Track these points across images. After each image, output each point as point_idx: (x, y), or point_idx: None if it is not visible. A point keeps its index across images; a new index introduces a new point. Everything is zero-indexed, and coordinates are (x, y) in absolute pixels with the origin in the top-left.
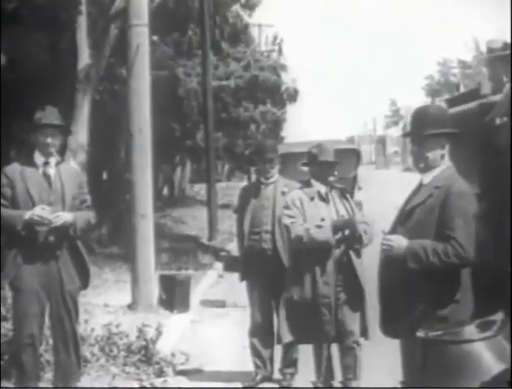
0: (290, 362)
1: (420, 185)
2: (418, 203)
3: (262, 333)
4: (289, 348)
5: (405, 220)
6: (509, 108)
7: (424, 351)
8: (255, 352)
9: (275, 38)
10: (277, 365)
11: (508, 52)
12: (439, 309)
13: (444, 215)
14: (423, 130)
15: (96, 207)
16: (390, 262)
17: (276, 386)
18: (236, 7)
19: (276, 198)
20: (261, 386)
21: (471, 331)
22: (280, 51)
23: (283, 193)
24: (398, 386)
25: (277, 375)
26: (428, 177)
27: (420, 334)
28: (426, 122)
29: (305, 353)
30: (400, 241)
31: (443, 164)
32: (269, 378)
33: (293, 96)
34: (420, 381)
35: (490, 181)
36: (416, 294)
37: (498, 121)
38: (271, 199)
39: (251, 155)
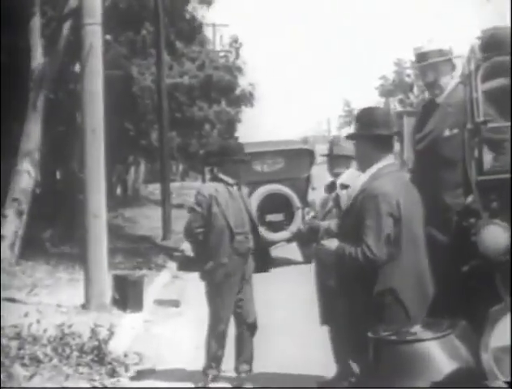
0: (245, 360)
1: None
2: (350, 206)
3: (222, 333)
4: (244, 346)
5: (343, 222)
6: (460, 119)
7: (376, 351)
8: (211, 353)
9: (235, 41)
10: (231, 363)
11: (444, 58)
12: (376, 310)
13: (358, 218)
14: (365, 131)
15: (50, 207)
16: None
17: (229, 385)
18: (191, 6)
19: (244, 199)
20: (213, 385)
21: (422, 330)
22: (237, 54)
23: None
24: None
25: (230, 373)
26: (363, 179)
27: (372, 334)
28: (368, 123)
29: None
30: (330, 245)
31: (383, 162)
32: (219, 377)
33: (249, 99)
34: (373, 381)
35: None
36: (355, 296)
37: (447, 132)
38: (241, 200)
39: (214, 155)
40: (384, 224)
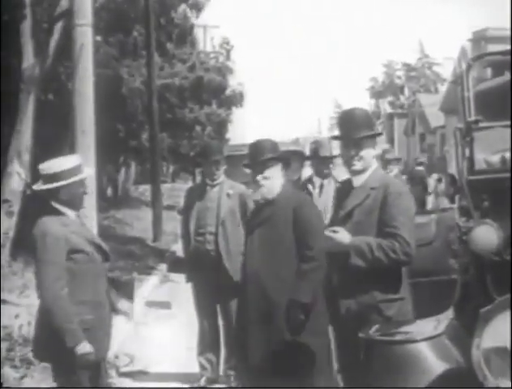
0: (231, 366)
1: (351, 188)
2: (356, 205)
3: (209, 338)
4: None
5: (343, 222)
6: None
7: (368, 351)
8: (202, 356)
9: (226, 43)
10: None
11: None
12: (385, 307)
13: (385, 215)
14: (358, 133)
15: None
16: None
17: (223, 386)
18: (182, 8)
19: (221, 200)
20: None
21: (413, 331)
22: (228, 56)
23: (228, 195)
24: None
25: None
26: (359, 180)
27: (363, 334)
28: (359, 125)
29: None
30: (343, 236)
31: (373, 165)
32: (215, 380)
33: (239, 100)
34: (364, 381)
35: None
36: (361, 292)
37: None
38: (216, 201)
39: (196, 156)
40: (412, 222)
